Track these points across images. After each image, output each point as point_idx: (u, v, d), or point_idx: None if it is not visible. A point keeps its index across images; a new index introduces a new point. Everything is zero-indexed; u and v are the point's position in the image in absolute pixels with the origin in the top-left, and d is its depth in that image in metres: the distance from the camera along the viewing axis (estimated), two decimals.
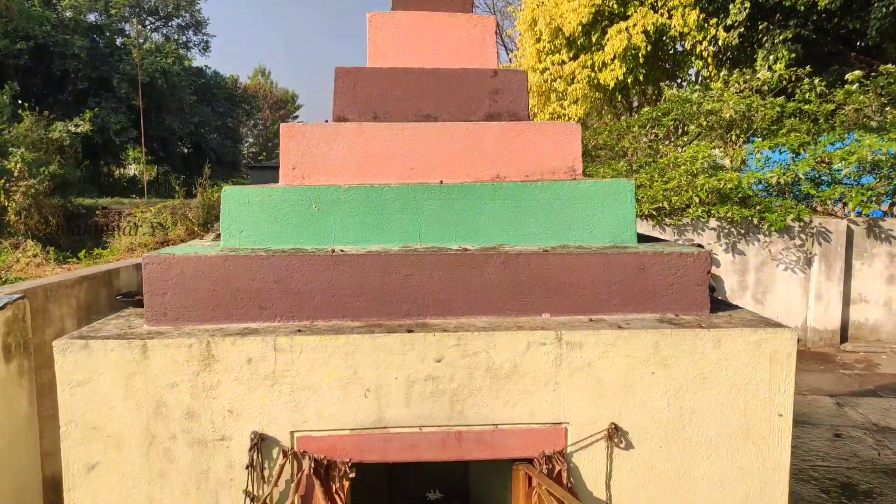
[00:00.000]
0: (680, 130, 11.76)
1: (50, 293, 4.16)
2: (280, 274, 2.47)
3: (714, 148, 9.89)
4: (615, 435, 2.39)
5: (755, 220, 8.93)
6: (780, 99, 10.49)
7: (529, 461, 2.42)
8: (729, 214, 8.68)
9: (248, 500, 2.35)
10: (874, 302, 9.31)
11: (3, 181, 14.60)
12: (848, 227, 9.06)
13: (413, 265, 2.50)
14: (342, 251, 2.53)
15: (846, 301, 9.29)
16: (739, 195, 8.96)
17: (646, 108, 13.00)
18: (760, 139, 10.01)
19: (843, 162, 8.73)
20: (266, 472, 2.35)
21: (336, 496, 2.33)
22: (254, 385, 2.31)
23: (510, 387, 2.37)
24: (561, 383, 2.37)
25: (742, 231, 9.10)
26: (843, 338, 9.40)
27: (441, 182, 2.73)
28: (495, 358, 2.35)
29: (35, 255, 14.54)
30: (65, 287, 4.35)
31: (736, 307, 2.77)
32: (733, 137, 10.64)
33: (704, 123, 10.86)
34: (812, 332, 9.34)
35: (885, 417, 6.87)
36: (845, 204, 9.59)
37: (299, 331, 2.37)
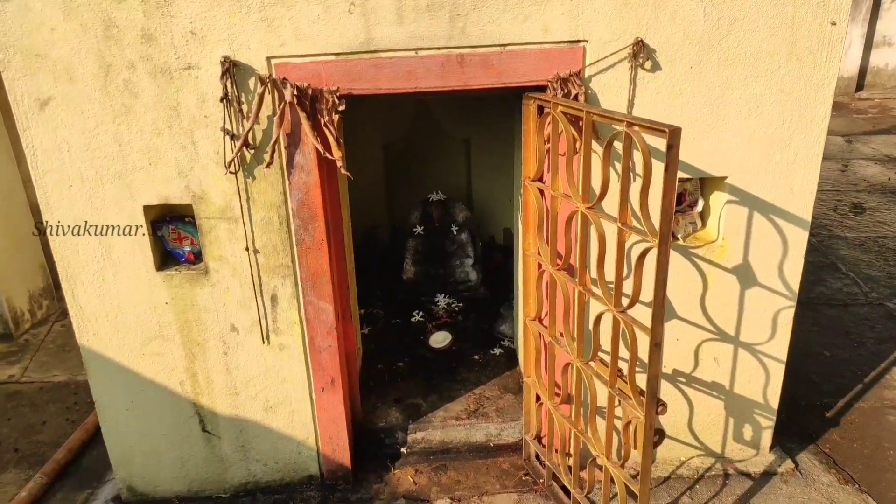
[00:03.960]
0: None
1: None
2: None
3: None
4: (640, 53, 2.08)
5: None
6: None
7: (542, 90, 2.14)
8: None
9: (227, 138, 2.10)
10: None
11: None
12: None
13: None
14: None
15: (867, 45, 8.71)
16: None
17: None
18: None
19: None
20: (245, 108, 2.08)
21: (326, 129, 2.08)
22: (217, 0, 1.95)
23: None
24: None
25: None
26: (860, 86, 8.97)
27: None
28: None
29: None
30: None
31: None
32: None
33: None
34: None
35: None
36: None
37: None
